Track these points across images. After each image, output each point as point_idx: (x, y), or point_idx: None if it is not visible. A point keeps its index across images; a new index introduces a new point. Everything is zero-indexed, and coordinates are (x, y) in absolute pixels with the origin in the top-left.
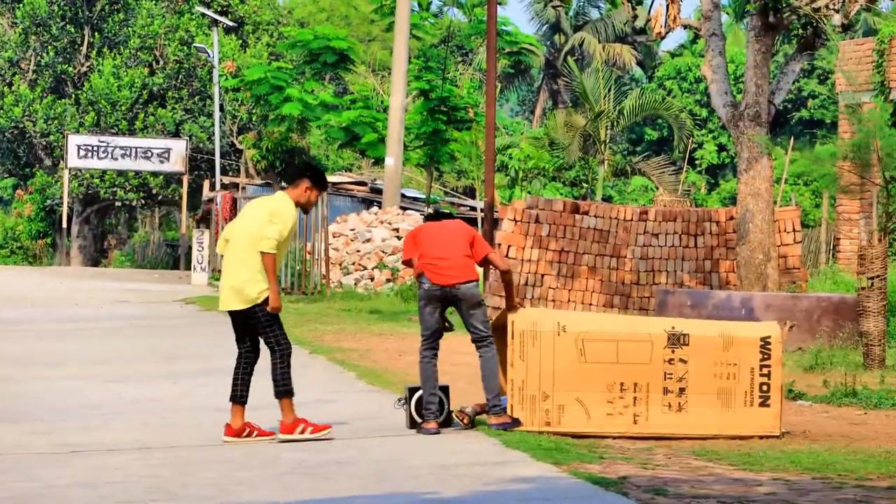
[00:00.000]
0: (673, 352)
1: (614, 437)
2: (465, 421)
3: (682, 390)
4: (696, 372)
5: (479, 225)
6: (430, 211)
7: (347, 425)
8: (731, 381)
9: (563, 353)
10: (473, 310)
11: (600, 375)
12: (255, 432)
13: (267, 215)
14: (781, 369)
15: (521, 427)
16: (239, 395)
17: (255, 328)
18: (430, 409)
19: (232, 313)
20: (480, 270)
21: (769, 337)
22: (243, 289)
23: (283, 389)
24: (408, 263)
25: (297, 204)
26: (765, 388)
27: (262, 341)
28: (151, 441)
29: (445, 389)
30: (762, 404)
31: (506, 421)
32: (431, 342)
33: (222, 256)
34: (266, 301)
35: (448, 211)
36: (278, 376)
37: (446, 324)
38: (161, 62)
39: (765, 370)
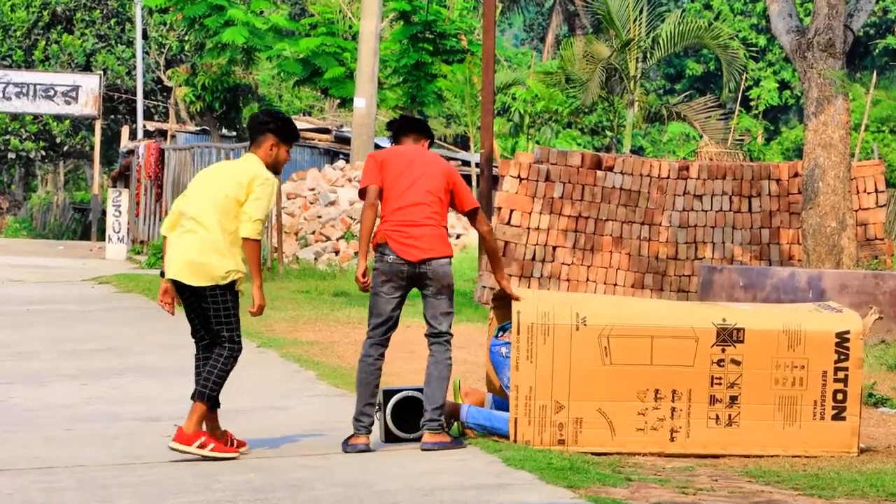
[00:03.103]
0: (723, 350)
1: (645, 455)
2: (473, 434)
3: (733, 399)
4: (753, 376)
5: (475, 184)
6: (396, 116)
7: (304, 439)
8: (797, 387)
9: (582, 352)
10: (441, 295)
11: (629, 381)
12: (234, 440)
13: (235, 185)
14: (861, 372)
15: (530, 443)
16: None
17: (207, 313)
18: (362, 421)
19: (183, 291)
20: (468, 242)
21: (847, 332)
22: (206, 263)
23: (211, 394)
24: (363, 194)
25: (266, 167)
26: (840, 396)
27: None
28: (54, 458)
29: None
30: (836, 417)
31: (444, 440)
32: (381, 335)
33: (165, 238)
34: (231, 285)
35: (419, 117)
36: (215, 377)
37: None
38: None
39: (840, 374)
